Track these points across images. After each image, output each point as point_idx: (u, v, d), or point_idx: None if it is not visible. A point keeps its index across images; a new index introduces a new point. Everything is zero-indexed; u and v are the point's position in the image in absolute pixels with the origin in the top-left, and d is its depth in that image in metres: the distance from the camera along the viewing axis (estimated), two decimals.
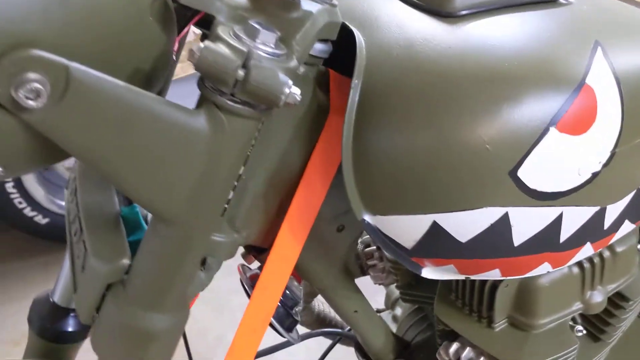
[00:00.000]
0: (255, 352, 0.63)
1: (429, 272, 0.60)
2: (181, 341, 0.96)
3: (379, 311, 1.03)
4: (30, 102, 0.37)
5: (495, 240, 0.54)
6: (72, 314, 0.71)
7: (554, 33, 0.56)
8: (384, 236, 0.57)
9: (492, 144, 0.50)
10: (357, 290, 0.75)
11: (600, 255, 0.71)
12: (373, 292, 0.90)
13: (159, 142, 0.41)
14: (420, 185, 0.52)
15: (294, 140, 0.56)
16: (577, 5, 0.61)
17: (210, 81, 0.42)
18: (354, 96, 0.51)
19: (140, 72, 0.43)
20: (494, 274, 0.59)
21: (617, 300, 0.76)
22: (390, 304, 1.03)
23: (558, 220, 0.55)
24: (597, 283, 0.72)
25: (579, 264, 0.70)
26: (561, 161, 0.52)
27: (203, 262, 0.57)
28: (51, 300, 0.69)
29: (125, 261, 0.49)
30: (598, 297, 0.72)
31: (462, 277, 0.60)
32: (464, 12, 0.55)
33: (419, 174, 0.51)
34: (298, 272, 0.70)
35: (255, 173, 0.55)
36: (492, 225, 0.53)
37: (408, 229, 0.55)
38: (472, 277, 0.61)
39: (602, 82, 0.54)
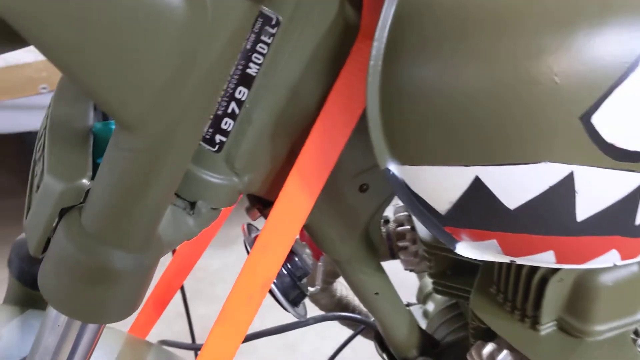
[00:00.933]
0: (250, 323, 0.53)
1: (464, 249, 0.49)
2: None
3: (409, 305, 0.92)
4: None
5: (554, 210, 0.43)
6: None
7: None
8: (412, 194, 0.46)
9: (562, 77, 0.38)
10: (380, 270, 0.65)
11: None
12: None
13: (116, 14, 0.31)
14: (461, 128, 0.41)
15: (313, 65, 0.46)
16: None
17: None
18: (389, 7, 0.41)
19: None
20: (546, 258, 0.48)
21: None
22: (422, 298, 0.93)
23: (637, 192, 0.43)
24: None
25: None
26: None
27: (192, 206, 0.48)
28: None
29: (85, 181, 0.40)
30: None
31: (506, 259, 0.49)
32: None
33: (461, 113, 0.41)
34: (312, 238, 0.60)
35: (261, 101, 0.46)
36: (551, 188, 0.42)
37: (443, 186, 0.44)
38: (519, 261, 0.49)
39: None
